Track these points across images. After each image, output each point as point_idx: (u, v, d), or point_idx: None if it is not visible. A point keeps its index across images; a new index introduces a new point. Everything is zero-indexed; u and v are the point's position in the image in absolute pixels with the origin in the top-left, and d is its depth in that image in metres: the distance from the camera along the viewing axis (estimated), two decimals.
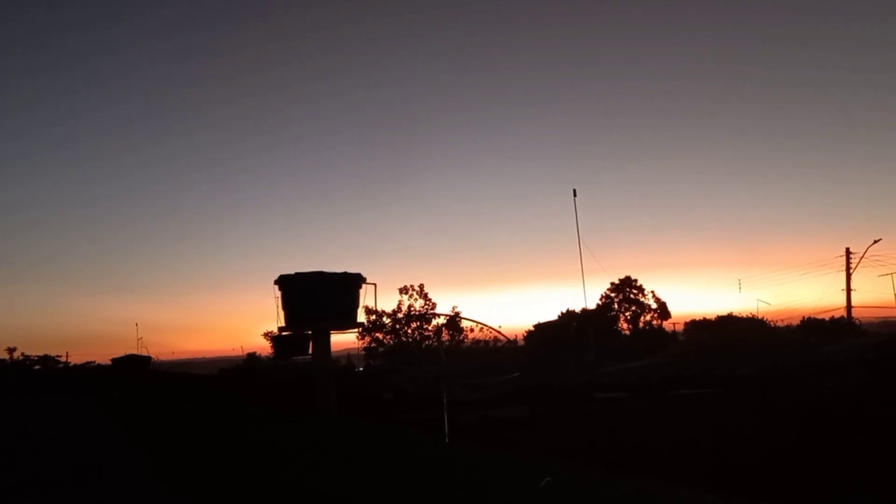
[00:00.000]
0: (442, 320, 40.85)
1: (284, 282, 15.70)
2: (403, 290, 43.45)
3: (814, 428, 11.78)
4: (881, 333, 37.40)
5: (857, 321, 45.34)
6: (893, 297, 46.24)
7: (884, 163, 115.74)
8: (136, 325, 53.25)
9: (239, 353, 50.92)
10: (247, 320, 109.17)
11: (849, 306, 45.70)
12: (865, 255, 45.38)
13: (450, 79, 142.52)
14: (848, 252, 46.30)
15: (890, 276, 45.91)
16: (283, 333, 21.36)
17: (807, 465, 9.51)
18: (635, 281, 46.60)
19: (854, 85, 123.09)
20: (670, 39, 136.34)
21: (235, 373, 35.75)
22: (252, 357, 45.89)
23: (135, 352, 42.23)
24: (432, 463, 10.62)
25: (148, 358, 40.67)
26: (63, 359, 40.58)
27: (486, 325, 38.06)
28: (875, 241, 45.15)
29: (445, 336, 42.24)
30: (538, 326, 40.07)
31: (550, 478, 8.72)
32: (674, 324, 46.76)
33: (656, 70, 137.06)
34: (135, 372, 33.80)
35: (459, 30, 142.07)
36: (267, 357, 42.30)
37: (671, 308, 46.34)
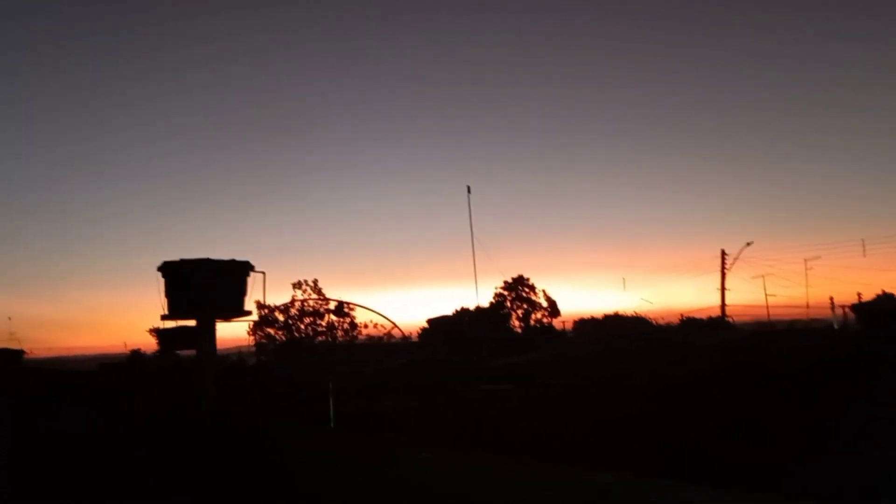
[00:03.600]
0: (332, 306, 40.54)
1: (168, 268, 15.26)
2: (297, 285, 42.94)
3: (668, 404, 12.79)
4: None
5: (730, 319, 48.38)
6: (764, 297, 49.77)
7: (757, 168, 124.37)
8: (9, 319, 50.02)
9: (122, 349, 48.74)
10: (132, 316, 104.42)
11: (723, 304, 48.78)
12: (739, 257, 48.60)
13: (344, 72, 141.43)
14: (723, 253, 49.43)
15: (762, 278, 49.39)
16: (167, 327, 20.68)
17: (659, 435, 10.33)
18: (527, 279, 47.92)
19: (730, 90, 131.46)
20: (559, 42, 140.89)
21: (117, 368, 34.23)
22: (136, 353, 44.03)
23: (6, 346, 39.60)
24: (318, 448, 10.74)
25: (20, 351, 38.33)
26: None
27: (376, 312, 37.91)
28: (748, 244, 48.50)
29: (340, 333, 42.04)
30: (431, 321, 40.54)
31: (427, 454, 9.05)
32: (563, 322, 48.45)
33: (548, 73, 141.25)
34: (4, 365, 31.80)
35: (349, 21, 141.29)
36: (152, 353, 40.73)
37: (561, 307, 47.96)
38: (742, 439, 9.38)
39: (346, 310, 40.80)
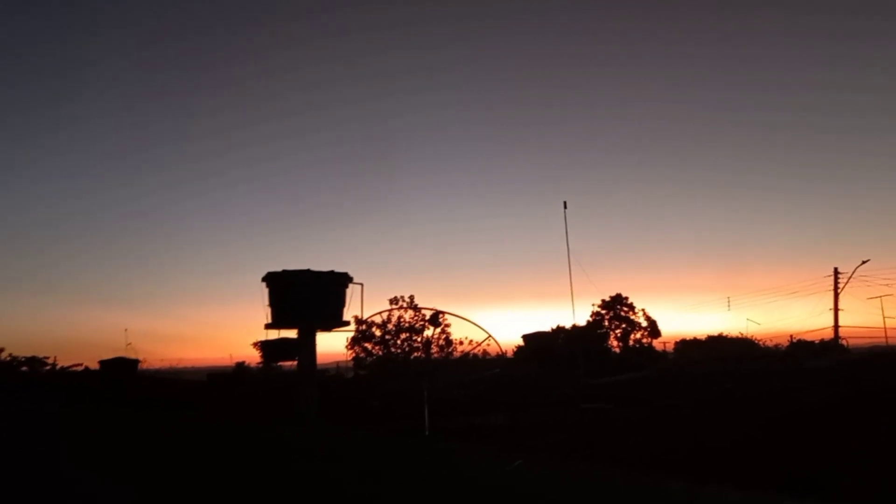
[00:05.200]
0: (427, 316, 40.79)
1: (271, 279, 15.96)
2: (393, 301, 43.55)
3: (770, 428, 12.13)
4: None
5: (844, 342, 45.33)
6: (882, 319, 46.19)
7: (873, 183, 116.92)
8: (126, 330, 53.08)
9: (228, 361, 50.95)
10: (237, 331, 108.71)
11: (836, 325, 45.84)
12: (853, 276, 45.56)
13: (443, 90, 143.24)
14: (836, 272, 46.51)
15: (878, 299, 45.89)
16: (270, 339, 21.49)
17: (762, 458, 9.82)
18: (626, 298, 46.80)
19: (840, 106, 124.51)
20: (664, 60, 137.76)
21: (223, 378, 35.87)
22: (241, 366, 45.95)
23: (124, 356, 42.20)
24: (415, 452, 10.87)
25: (136, 361, 40.79)
26: (50, 361, 40.56)
27: (471, 321, 37.63)
28: (863, 262, 45.38)
29: (435, 349, 42.33)
30: (527, 337, 40.15)
31: (521, 461, 9.00)
32: (664, 342, 46.99)
33: (649, 86, 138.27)
34: (122, 374, 33.90)
35: (448, 42, 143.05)
36: (256, 365, 42.37)
37: (662, 327, 46.51)
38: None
39: (441, 321, 40.96)
